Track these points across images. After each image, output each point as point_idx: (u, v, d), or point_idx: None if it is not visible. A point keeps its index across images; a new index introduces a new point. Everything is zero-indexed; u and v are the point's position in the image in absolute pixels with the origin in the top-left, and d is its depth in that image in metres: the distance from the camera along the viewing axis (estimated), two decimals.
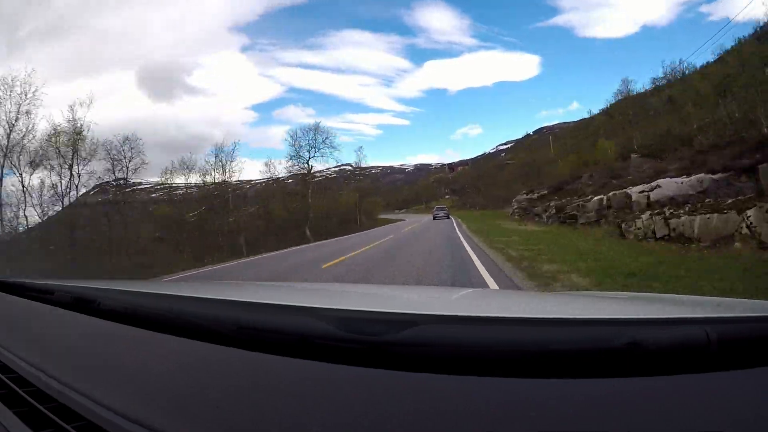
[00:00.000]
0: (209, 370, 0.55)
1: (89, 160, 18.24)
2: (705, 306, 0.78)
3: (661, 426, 0.37)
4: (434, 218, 30.19)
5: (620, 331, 0.46)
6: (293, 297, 0.95)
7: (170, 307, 0.74)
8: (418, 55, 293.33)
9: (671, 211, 7.94)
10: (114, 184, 20.15)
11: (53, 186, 17.43)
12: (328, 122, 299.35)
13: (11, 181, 16.57)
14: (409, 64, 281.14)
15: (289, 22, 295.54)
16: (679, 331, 0.46)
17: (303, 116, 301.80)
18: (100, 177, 19.03)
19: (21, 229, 16.65)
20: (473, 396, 0.42)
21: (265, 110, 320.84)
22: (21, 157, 16.39)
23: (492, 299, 1.06)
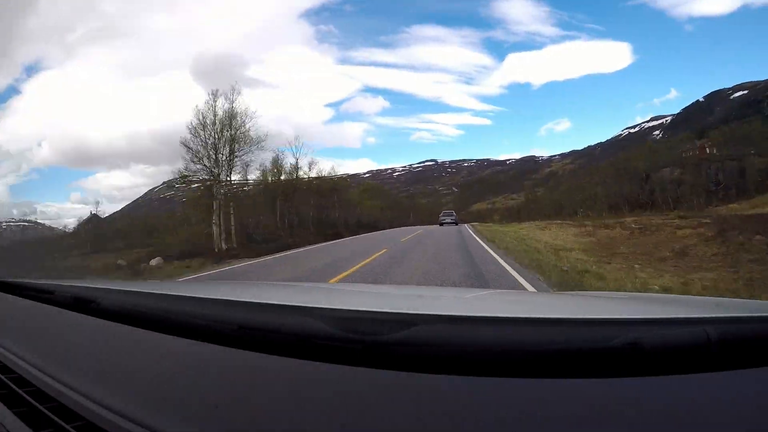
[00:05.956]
0: (209, 370, 0.55)
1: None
2: (705, 306, 0.77)
3: (661, 426, 0.36)
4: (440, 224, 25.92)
5: (620, 331, 0.46)
6: (293, 297, 0.95)
7: (170, 307, 0.74)
8: (497, 49, 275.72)
9: None
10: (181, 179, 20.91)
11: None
12: (405, 122, 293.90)
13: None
14: (488, 59, 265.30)
15: (358, 19, 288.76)
16: (679, 331, 0.46)
17: (377, 114, 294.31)
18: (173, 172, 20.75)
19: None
20: (473, 396, 0.42)
21: (338, 109, 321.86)
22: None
23: (492, 299, 1.06)
